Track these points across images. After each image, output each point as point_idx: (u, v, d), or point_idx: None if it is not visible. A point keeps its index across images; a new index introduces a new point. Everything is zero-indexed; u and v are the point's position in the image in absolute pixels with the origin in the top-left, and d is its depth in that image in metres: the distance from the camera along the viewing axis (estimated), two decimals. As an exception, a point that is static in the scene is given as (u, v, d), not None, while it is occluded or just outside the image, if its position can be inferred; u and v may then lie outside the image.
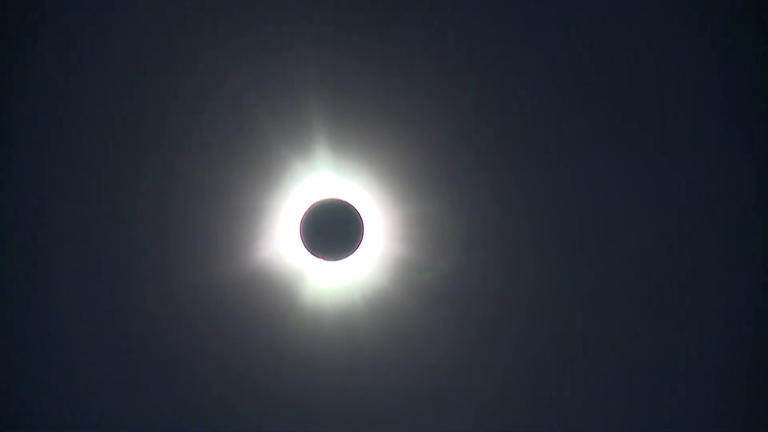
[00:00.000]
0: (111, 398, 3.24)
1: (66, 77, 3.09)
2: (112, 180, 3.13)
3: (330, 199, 3.14)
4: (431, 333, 3.21)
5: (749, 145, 3.10)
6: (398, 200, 3.15)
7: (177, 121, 3.11)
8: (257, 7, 3.07)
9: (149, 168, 3.13)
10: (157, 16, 3.08)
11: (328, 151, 3.13)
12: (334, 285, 3.21)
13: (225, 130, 3.12)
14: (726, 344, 3.19)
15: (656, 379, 3.20)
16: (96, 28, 3.09)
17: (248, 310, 3.20)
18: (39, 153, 3.11)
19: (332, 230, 3.09)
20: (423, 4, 3.05)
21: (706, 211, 3.12)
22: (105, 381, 3.22)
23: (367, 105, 3.11)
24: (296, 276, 3.20)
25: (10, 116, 3.10)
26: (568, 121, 3.06)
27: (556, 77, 3.03)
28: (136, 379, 3.22)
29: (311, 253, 3.13)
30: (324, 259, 3.13)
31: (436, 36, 3.04)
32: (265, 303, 3.19)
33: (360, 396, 3.25)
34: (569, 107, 3.05)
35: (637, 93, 3.06)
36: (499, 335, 3.19)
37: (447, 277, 3.15)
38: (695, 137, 3.09)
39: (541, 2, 3.04)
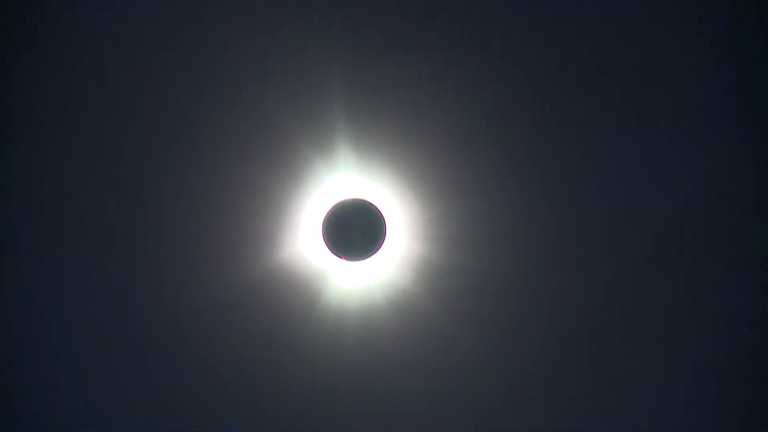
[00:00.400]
0: (129, 396, 3.14)
1: (91, 79, 3.05)
2: (134, 180, 3.07)
3: (352, 199, 3.14)
4: (454, 333, 3.21)
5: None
6: (421, 200, 3.17)
7: (199, 121, 3.09)
8: (279, 9, 3.09)
9: (171, 168, 3.09)
10: (179, 18, 3.07)
11: (350, 151, 3.14)
12: (357, 285, 3.19)
13: (247, 131, 3.11)
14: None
15: (678, 376, 3.27)
16: (118, 30, 3.06)
17: (270, 311, 3.15)
18: (67, 152, 3.04)
19: (355, 230, 3.09)
20: (444, 5, 3.11)
21: (722, 209, 3.23)
22: (124, 380, 3.13)
23: (389, 105, 3.13)
24: (318, 276, 3.17)
25: (46, 115, 3.03)
26: (594, 122, 3.14)
27: (579, 76, 3.11)
28: (156, 377, 3.13)
29: (333, 253, 3.11)
30: (346, 259, 3.12)
31: (459, 34, 3.09)
32: (287, 303, 3.16)
33: (382, 396, 3.23)
34: (594, 107, 3.13)
35: (658, 94, 3.16)
36: (522, 334, 3.21)
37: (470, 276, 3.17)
38: (717, 135, 3.19)
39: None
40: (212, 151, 3.09)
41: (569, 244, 3.21)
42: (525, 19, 3.10)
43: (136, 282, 3.08)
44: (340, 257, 3.12)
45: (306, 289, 3.17)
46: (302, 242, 3.17)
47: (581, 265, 3.21)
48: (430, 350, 3.22)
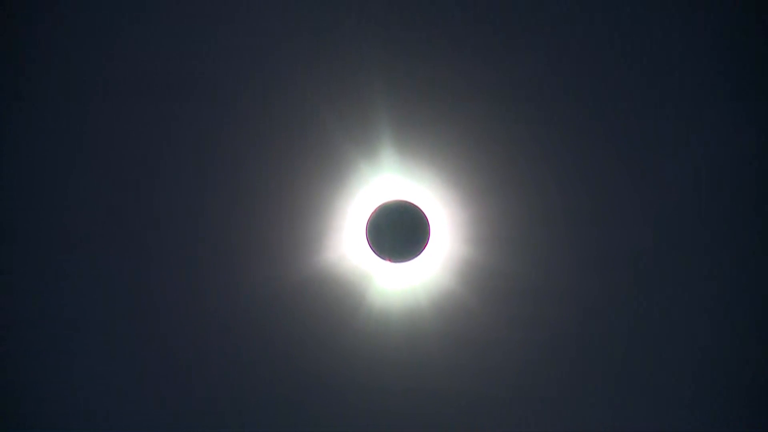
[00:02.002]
0: (171, 397, 3.19)
1: (140, 79, 3.06)
2: (176, 180, 3.09)
3: (396, 201, 3.13)
4: (498, 335, 3.20)
5: None
6: (465, 201, 3.15)
7: (240, 123, 3.09)
8: (323, 8, 3.07)
9: (215, 169, 3.10)
10: (223, 17, 3.07)
11: (394, 152, 3.12)
12: (401, 287, 3.19)
13: (290, 132, 3.11)
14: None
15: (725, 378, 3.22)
16: (160, 32, 3.07)
17: (314, 312, 3.17)
18: (112, 151, 3.08)
19: (398, 232, 3.08)
20: (485, 6, 3.07)
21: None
22: (166, 380, 3.18)
23: (433, 105, 3.11)
24: (362, 278, 3.18)
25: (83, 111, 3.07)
26: (638, 122, 3.08)
27: (632, 78, 3.06)
28: (199, 377, 3.18)
29: (377, 254, 3.11)
30: (390, 260, 3.12)
31: (502, 36, 3.05)
32: (331, 305, 3.17)
33: (426, 398, 3.23)
34: (644, 105, 3.08)
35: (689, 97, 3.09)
36: (567, 337, 3.19)
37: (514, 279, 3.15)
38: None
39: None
40: (255, 154, 3.10)
41: (614, 245, 3.16)
42: (569, 21, 3.04)
43: (180, 283, 3.12)
44: (384, 259, 3.11)
45: (350, 290, 3.18)
46: (346, 244, 3.17)
47: (626, 266, 3.16)
48: (473, 352, 3.21)
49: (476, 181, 3.14)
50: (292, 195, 3.12)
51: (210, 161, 3.09)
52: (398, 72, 3.09)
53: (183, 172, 3.08)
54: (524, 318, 3.19)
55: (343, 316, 3.18)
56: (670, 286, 3.17)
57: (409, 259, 3.12)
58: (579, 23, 3.04)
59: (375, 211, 3.11)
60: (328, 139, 3.10)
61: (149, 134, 3.07)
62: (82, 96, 3.07)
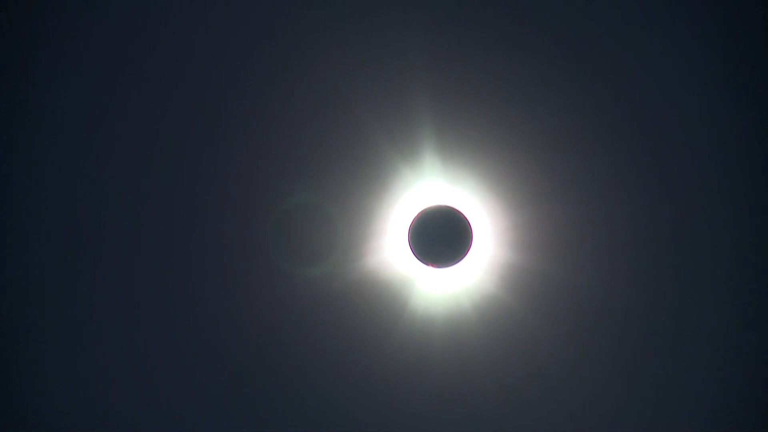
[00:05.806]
0: (215, 404, 3.22)
1: (175, 80, 3.11)
2: (218, 187, 3.13)
3: (438, 206, 3.14)
4: (540, 339, 3.20)
5: None
6: (507, 206, 3.15)
7: (285, 126, 3.13)
8: (367, 13, 3.09)
9: (257, 176, 3.14)
10: (268, 23, 3.11)
11: (436, 157, 3.14)
12: (444, 292, 3.20)
13: (333, 138, 3.14)
14: None
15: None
16: (210, 30, 3.11)
17: (357, 318, 3.19)
18: (147, 157, 3.13)
19: (441, 237, 3.09)
20: (527, 10, 3.08)
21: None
22: (211, 387, 3.21)
23: (476, 111, 3.12)
24: (405, 283, 3.19)
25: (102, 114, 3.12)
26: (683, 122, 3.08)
27: (669, 83, 3.05)
28: (243, 385, 3.20)
29: (420, 260, 3.12)
30: (433, 266, 3.12)
31: (545, 39, 3.06)
32: (374, 310, 3.19)
33: (470, 401, 3.23)
34: (686, 109, 3.07)
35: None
36: (610, 339, 3.18)
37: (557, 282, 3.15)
38: None
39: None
40: (298, 159, 3.13)
41: (654, 248, 3.15)
42: (613, 23, 3.04)
43: (221, 289, 3.15)
44: (427, 264, 3.12)
45: (393, 295, 3.19)
46: (389, 249, 3.19)
47: (668, 269, 3.15)
48: (516, 356, 3.21)
49: (519, 186, 3.14)
50: (334, 200, 3.14)
51: (253, 167, 3.12)
52: (441, 77, 3.11)
53: (224, 179, 3.12)
54: (567, 322, 3.18)
55: (386, 321, 3.19)
56: (716, 290, 3.15)
57: (452, 265, 3.12)
58: (584, 26, 3.05)
59: (417, 216, 3.12)
60: (371, 144, 3.12)
61: (193, 144, 3.12)
62: (105, 96, 3.12)
